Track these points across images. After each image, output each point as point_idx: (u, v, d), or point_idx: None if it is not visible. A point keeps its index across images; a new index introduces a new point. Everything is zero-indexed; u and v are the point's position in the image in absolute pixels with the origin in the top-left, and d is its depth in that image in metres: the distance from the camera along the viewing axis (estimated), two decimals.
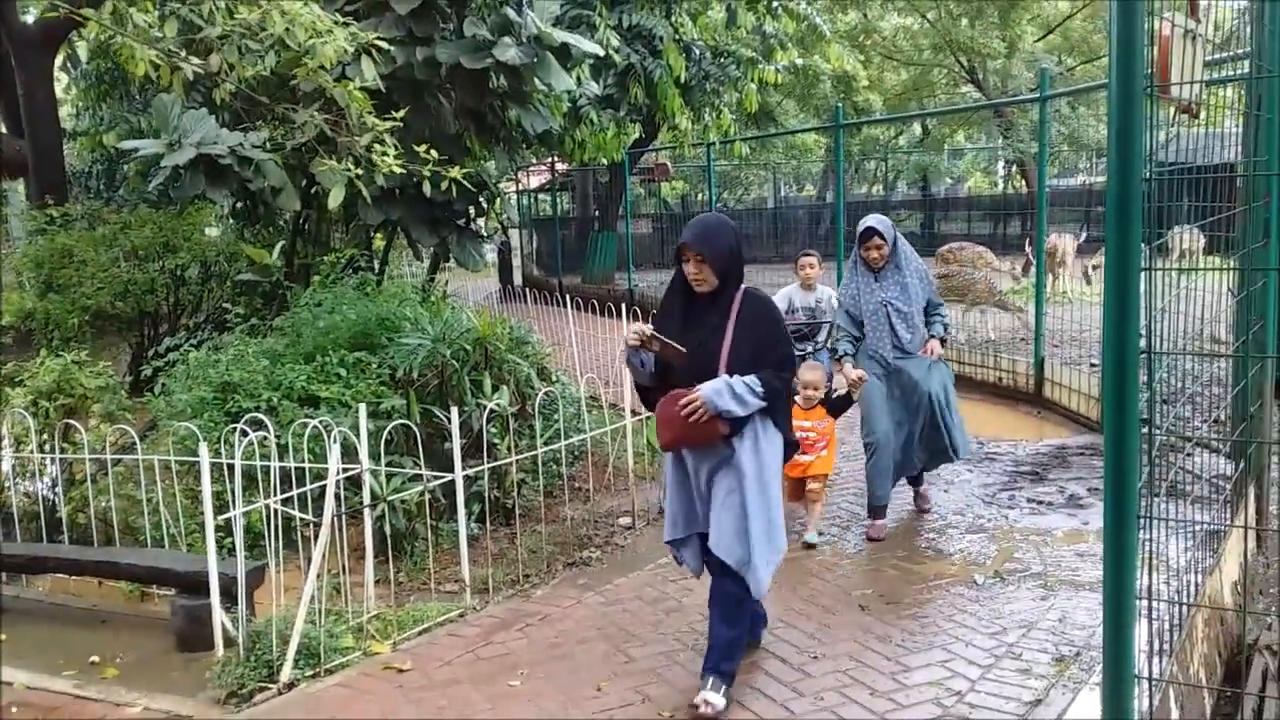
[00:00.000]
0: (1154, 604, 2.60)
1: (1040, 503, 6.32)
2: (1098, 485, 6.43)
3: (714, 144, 15.15)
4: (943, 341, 5.98)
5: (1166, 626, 3.00)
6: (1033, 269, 10.27)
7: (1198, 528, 4.11)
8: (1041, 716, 3.76)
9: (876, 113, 25.38)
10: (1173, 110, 2.96)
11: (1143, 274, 2.30)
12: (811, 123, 25.45)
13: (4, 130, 15.92)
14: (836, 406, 5.95)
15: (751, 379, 3.80)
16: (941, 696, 3.95)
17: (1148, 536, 2.58)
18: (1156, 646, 2.72)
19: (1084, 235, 15.85)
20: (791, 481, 5.82)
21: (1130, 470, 2.28)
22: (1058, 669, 4.11)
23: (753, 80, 14.41)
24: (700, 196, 30.84)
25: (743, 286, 3.96)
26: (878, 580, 5.19)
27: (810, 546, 5.70)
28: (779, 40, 14.79)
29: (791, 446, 4.19)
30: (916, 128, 34.11)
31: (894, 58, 26.62)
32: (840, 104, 12.88)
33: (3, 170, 15.35)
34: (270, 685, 4.35)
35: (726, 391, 3.77)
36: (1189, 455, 6.08)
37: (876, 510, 5.93)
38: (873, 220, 5.87)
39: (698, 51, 13.96)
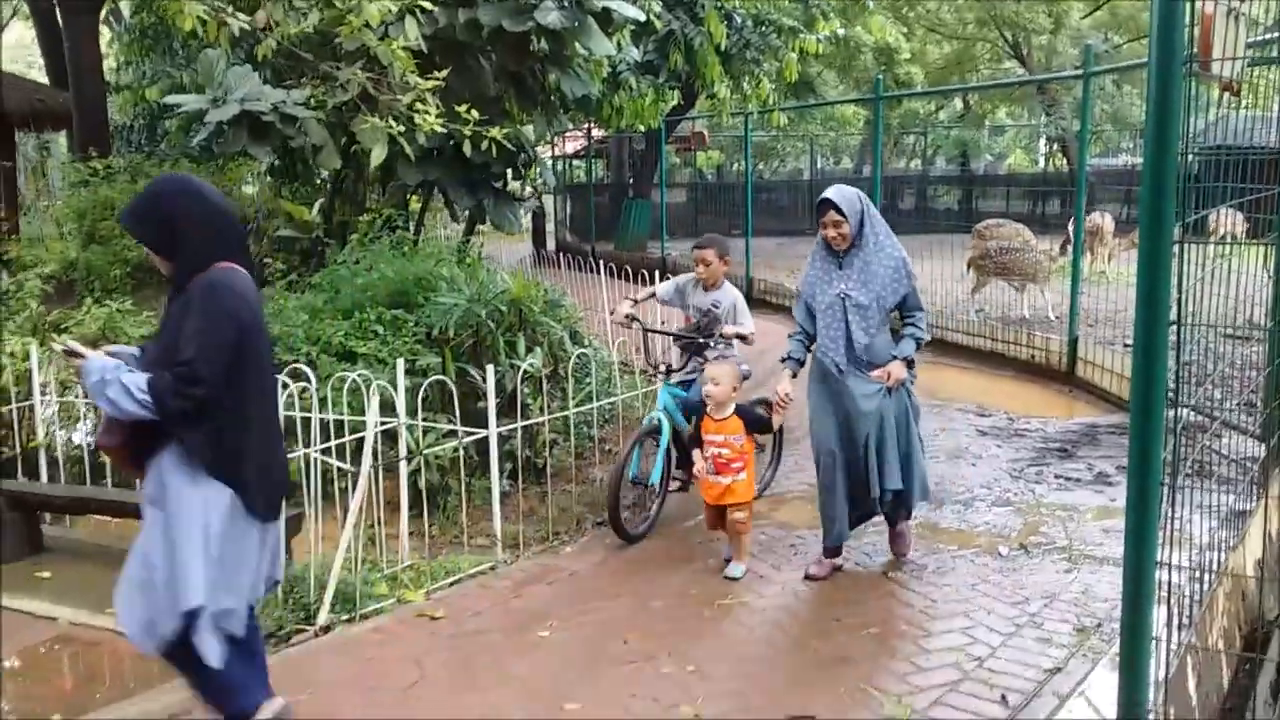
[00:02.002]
0: (1173, 572, 2.65)
1: (1068, 479, 6.35)
2: (1126, 464, 6.45)
3: (752, 113, 15.10)
4: (909, 364, 4.81)
5: (1186, 596, 3.05)
6: (1070, 248, 10.23)
7: (1223, 505, 4.14)
8: (1061, 684, 3.83)
9: (918, 86, 25.13)
10: (1217, 90, 2.97)
11: (1175, 249, 2.34)
12: (851, 94, 25.27)
13: (48, 82, 16.17)
14: (752, 421, 5.07)
15: (142, 378, 3.00)
16: (962, 661, 4.03)
17: (1171, 509, 2.63)
18: (1175, 615, 2.77)
19: (1125, 215, 15.71)
20: (708, 509, 5.11)
21: (1155, 439, 2.33)
22: (1078, 639, 4.17)
23: (793, 50, 14.33)
24: (736, 166, 30.70)
25: (214, 269, 3.13)
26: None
27: (732, 579, 4.89)
28: (821, 10, 14.70)
29: None
30: (958, 102, 33.76)
31: (937, 30, 26.33)
32: (881, 76, 12.79)
33: (46, 122, 15.59)
34: (307, 627, 4.49)
35: (117, 384, 2.98)
36: (1218, 436, 6.10)
37: (827, 547, 4.94)
38: (830, 192, 4.71)
39: (739, 19, 13.90)
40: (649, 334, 6.06)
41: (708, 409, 4.97)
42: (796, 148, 34.84)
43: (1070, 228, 11.47)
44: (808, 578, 4.85)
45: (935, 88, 25.92)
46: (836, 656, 4.11)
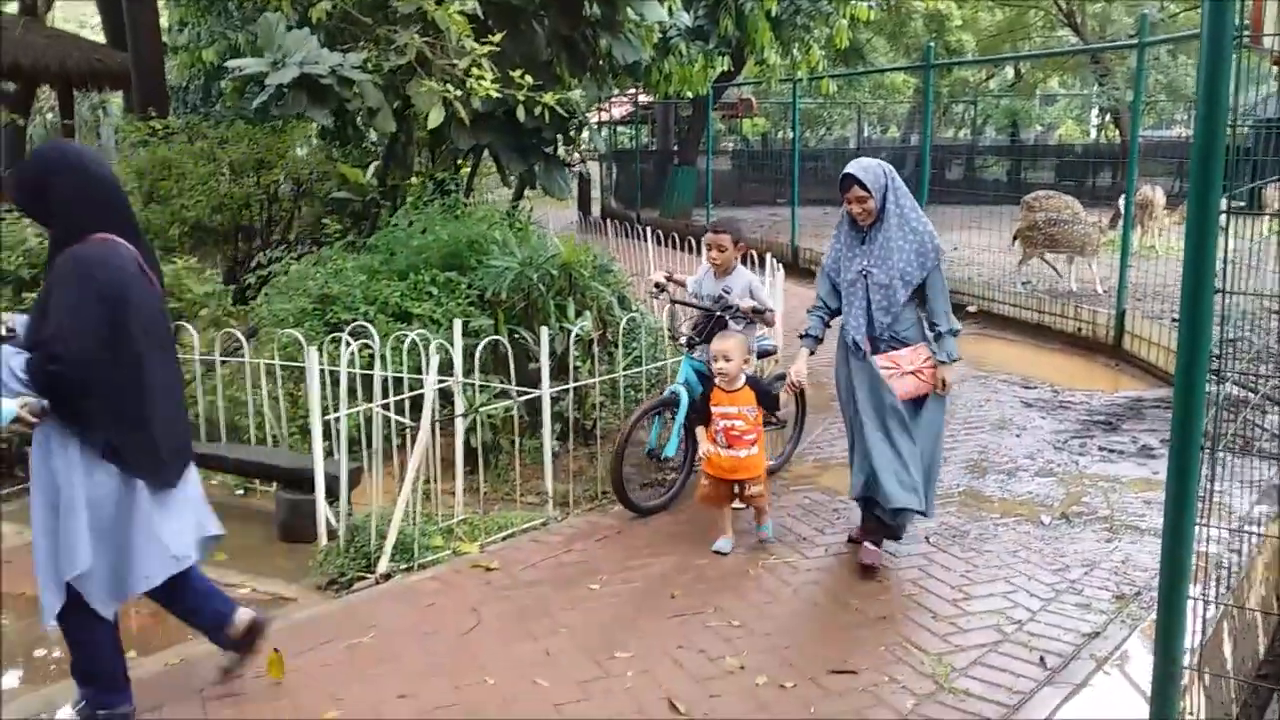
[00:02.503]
0: (1211, 538, 2.74)
1: (1111, 451, 6.39)
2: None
3: (801, 80, 15.04)
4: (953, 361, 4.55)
5: (1225, 563, 3.13)
6: (1120, 220, 10.16)
7: (1265, 477, 4.20)
8: (1099, 647, 3.92)
9: (968, 53, 24.82)
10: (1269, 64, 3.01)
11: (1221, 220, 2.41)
12: (901, 61, 25.00)
13: (106, 42, 16.42)
14: (765, 395, 5.03)
15: (21, 359, 3.01)
16: (1001, 624, 4.13)
17: (1211, 477, 2.71)
18: (1213, 580, 2.85)
19: (1177, 188, 15.50)
20: (713, 484, 4.92)
21: (1197, 406, 2.41)
22: (1117, 606, 4.26)
23: (845, 16, 14.24)
24: (782, 134, 30.53)
25: (88, 242, 3.11)
26: (943, 518, 5.34)
27: (766, 542, 4.96)
28: None
29: None
30: (1009, 71, 33.27)
31: None
32: (932, 44, 12.70)
33: (104, 81, 15.88)
34: (368, 575, 4.68)
35: (5, 367, 3.00)
36: (1261, 411, 6.11)
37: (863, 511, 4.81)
38: (853, 166, 4.55)
39: None
40: (675, 305, 6.09)
41: (717, 381, 4.89)
42: (844, 115, 34.54)
43: (1120, 200, 11.38)
44: (851, 540, 4.93)
45: (986, 56, 25.58)
46: (877, 616, 4.23)
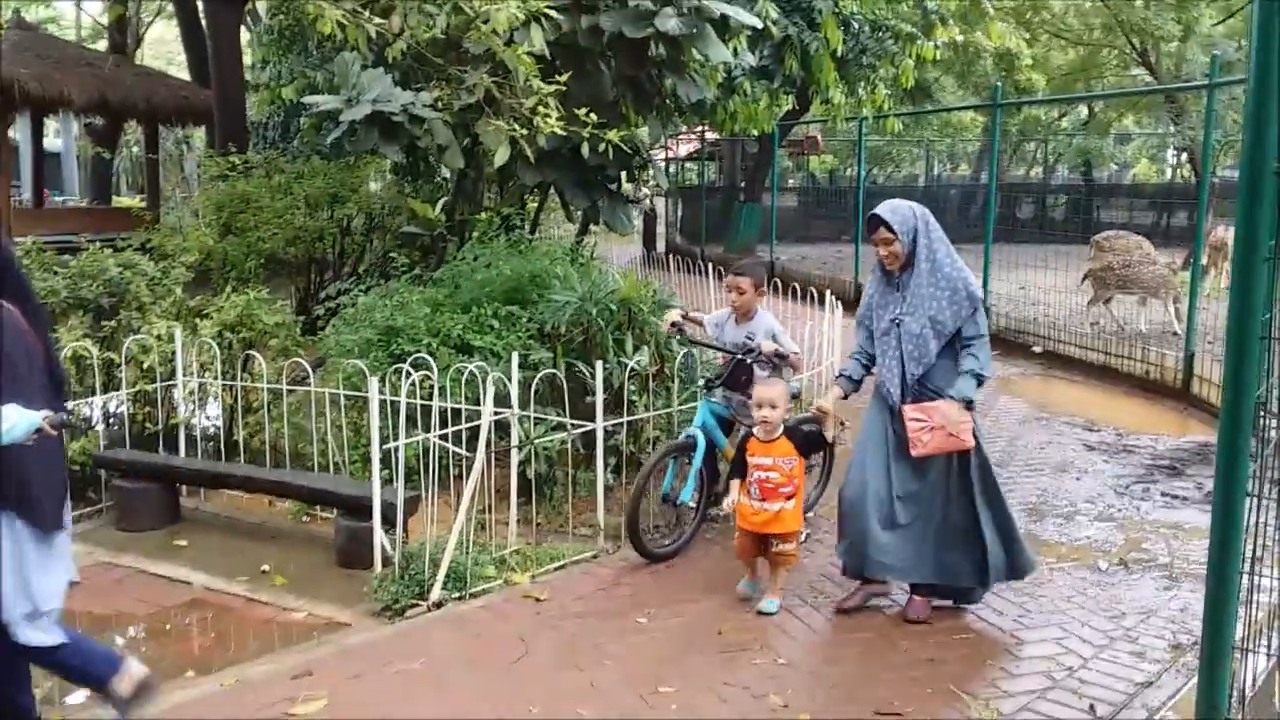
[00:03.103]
0: (1257, 577, 2.70)
1: (1175, 496, 6.27)
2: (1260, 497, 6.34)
3: (866, 119, 15.06)
4: (968, 405, 4.28)
5: (1273, 601, 3.07)
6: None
7: None
8: (1151, 697, 3.85)
9: (1039, 92, 24.60)
10: None
11: (1266, 264, 2.40)
12: (970, 100, 24.87)
13: (190, 79, 17.06)
14: (804, 441, 4.76)
15: None
16: (1052, 670, 4.08)
17: (1259, 520, 2.68)
18: (1259, 620, 2.81)
19: None
20: (745, 537, 4.71)
21: (1242, 449, 2.39)
22: (1173, 655, 4.17)
23: (910, 56, 14.24)
24: (849, 171, 30.48)
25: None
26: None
27: (768, 614, 4.60)
28: (940, 16, 14.57)
29: None
30: (1082, 110, 32.88)
31: (1062, 36, 25.68)
32: (1000, 83, 12.65)
33: (188, 117, 16.48)
34: (421, 603, 4.76)
35: None
36: None
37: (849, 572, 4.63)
38: (881, 207, 4.39)
39: (856, 25, 13.87)
40: (696, 346, 6.01)
41: (756, 431, 4.68)
42: (912, 153, 34.39)
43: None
44: (838, 610, 4.58)
45: (1056, 95, 25.32)
46: (926, 658, 4.20)
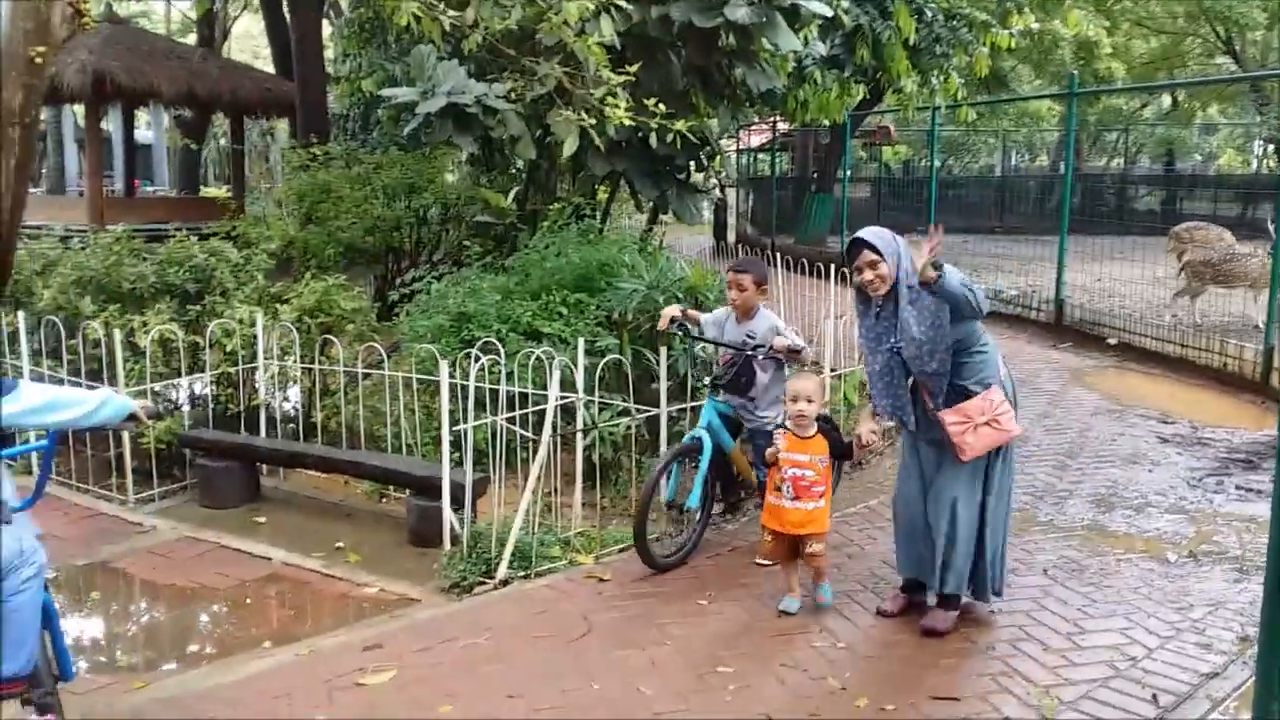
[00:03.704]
0: None
1: (1249, 490, 6.15)
2: None
3: (940, 108, 14.87)
4: (938, 267, 3.93)
5: None
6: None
7: None
8: (1216, 688, 3.82)
9: (1119, 81, 24.02)
10: None
11: None
12: (1047, 89, 24.38)
13: (274, 72, 17.50)
14: (838, 446, 4.62)
15: None
16: (1115, 660, 4.06)
17: None
18: None
19: None
20: (776, 539, 4.50)
21: None
22: (1240, 647, 4.13)
23: (985, 44, 14.01)
24: (923, 162, 30.09)
25: None
26: (1064, 551, 5.24)
27: (786, 614, 4.49)
28: (1016, 3, 14.32)
29: None
30: (1165, 99, 32.02)
31: (1144, 24, 25.05)
32: (1076, 72, 12.41)
33: (272, 109, 16.91)
34: (488, 580, 4.90)
35: None
36: None
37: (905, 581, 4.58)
38: (863, 233, 4.23)
39: (930, 14, 13.69)
40: (699, 344, 5.67)
41: (790, 426, 4.48)
42: (988, 143, 33.81)
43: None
44: (879, 613, 4.50)
45: (1134, 84, 24.72)
46: (987, 645, 4.20)
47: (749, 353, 5.06)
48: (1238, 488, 6.22)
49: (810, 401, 4.42)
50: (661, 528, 5.49)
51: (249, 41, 33.28)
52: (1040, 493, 6.18)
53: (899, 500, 4.51)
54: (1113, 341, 10.40)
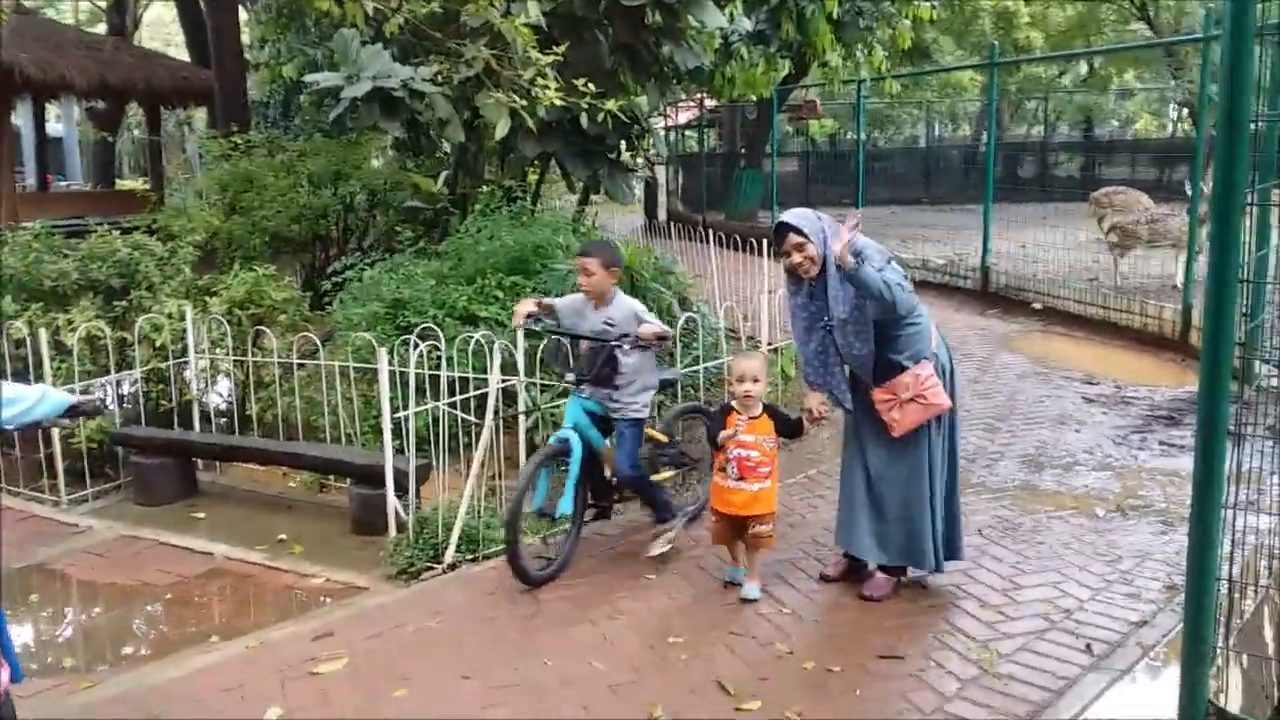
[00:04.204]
0: (1236, 514, 2.82)
1: (1172, 445, 6.37)
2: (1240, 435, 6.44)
3: (865, 81, 15.04)
4: (859, 256, 4.05)
5: (1261, 543, 3.19)
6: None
7: None
8: (1147, 635, 3.98)
9: (1037, 50, 24.49)
10: None
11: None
12: (968, 60, 24.77)
13: (189, 59, 17.08)
14: (785, 426, 4.53)
15: None
16: (1049, 613, 4.20)
17: (1237, 456, 2.79)
18: (1250, 561, 2.92)
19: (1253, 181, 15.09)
20: (722, 522, 4.47)
21: (1223, 389, 2.51)
22: (1168, 595, 4.30)
23: (907, 17, 14.21)
24: (850, 135, 30.41)
25: None
26: (997, 511, 5.39)
27: (751, 601, 4.40)
28: None
29: None
30: (1083, 67, 32.71)
31: None
32: (997, 42, 12.64)
33: (189, 98, 16.51)
34: (435, 565, 4.91)
35: None
36: None
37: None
38: (786, 216, 4.28)
39: None
40: (556, 337, 5.17)
41: (736, 406, 4.43)
42: (913, 115, 34.28)
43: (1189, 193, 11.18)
44: (822, 578, 4.57)
45: (1052, 52, 25.23)
46: (928, 605, 4.32)
47: (613, 343, 4.67)
48: (1161, 443, 6.45)
49: (756, 381, 4.38)
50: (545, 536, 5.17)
51: (161, 29, 32.41)
52: (972, 455, 6.33)
53: (841, 474, 4.57)
54: (1038, 306, 10.66)
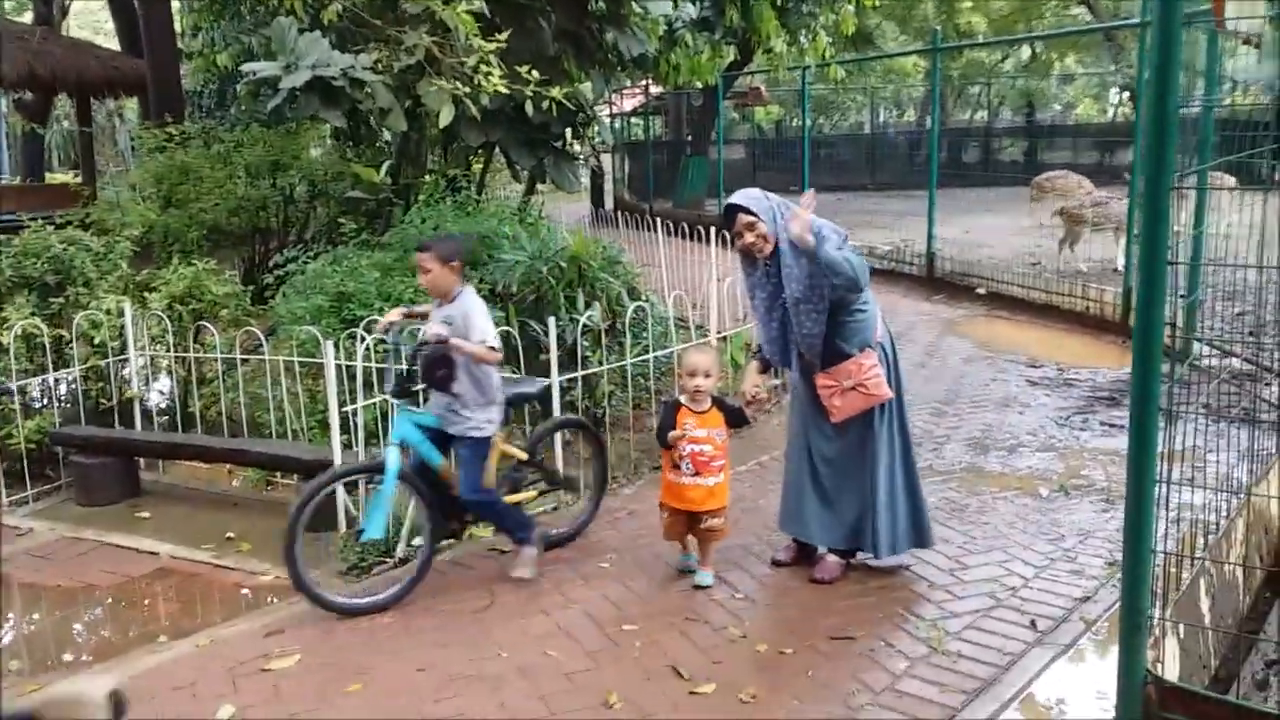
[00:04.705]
0: (1170, 489, 2.89)
1: (1113, 425, 6.51)
2: (1175, 413, 6.58)
3: (809, 68, 15.14)
4: (819, 242, 4.02)
5: (1199, 520, 3.27)
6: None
7: (1248, 441, 4.32)
8: (1089, 610, 4.07)
9: (980, 35, 24.80)
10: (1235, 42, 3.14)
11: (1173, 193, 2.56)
12: (911, 45, 25.01)
13: (120, 49, 16.71)
14: (733, 416, 4.51)
15: None
16: (995, 591, 4.28)
17: (1170, 432, 2.86)
18: (1181, 534, 2.99)
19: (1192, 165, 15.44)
20: (675, 517, 4.45)
21: (1154, 366, 2.58)
22: (1109, 572, 4.39)
23: (851, 2, 14.32)
24: (795, 121, 30.57)
25: None
26: (944, 493, 5.47)
27: (704, 587, 4.41)
28: None
29: None
30: (1025, 51, 33.17)
31: None
32: (939, 27, 12.78)
33: (120, 89, 16.16)
34: (387, 560, 4.87)
35: None
36: (1268, 385, 6.22)
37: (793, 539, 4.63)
38: (735, 197, 4.27)
39: None
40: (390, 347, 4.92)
41: (685, 400, 4.41)
42: (858, 101, 34.54)
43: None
44: (773, 563, 4.59)
45: (995, 37, 25.56)
46: (877, 586, 4.38)
47: (432, 343, 4.30)
48: (1102, 424, 6.58)
49: (708, 376, 4.36)
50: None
51: (89, 17, 31.68)
52: (919, 439, 6.39)
53: (786, 460, 4.60)
54: (982, 291, 10.82)
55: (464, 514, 4.71)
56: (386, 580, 4.61)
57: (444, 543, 4.85)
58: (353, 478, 4.75)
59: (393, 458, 4.36)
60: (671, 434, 4.38)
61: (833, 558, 4.51)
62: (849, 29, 14.70)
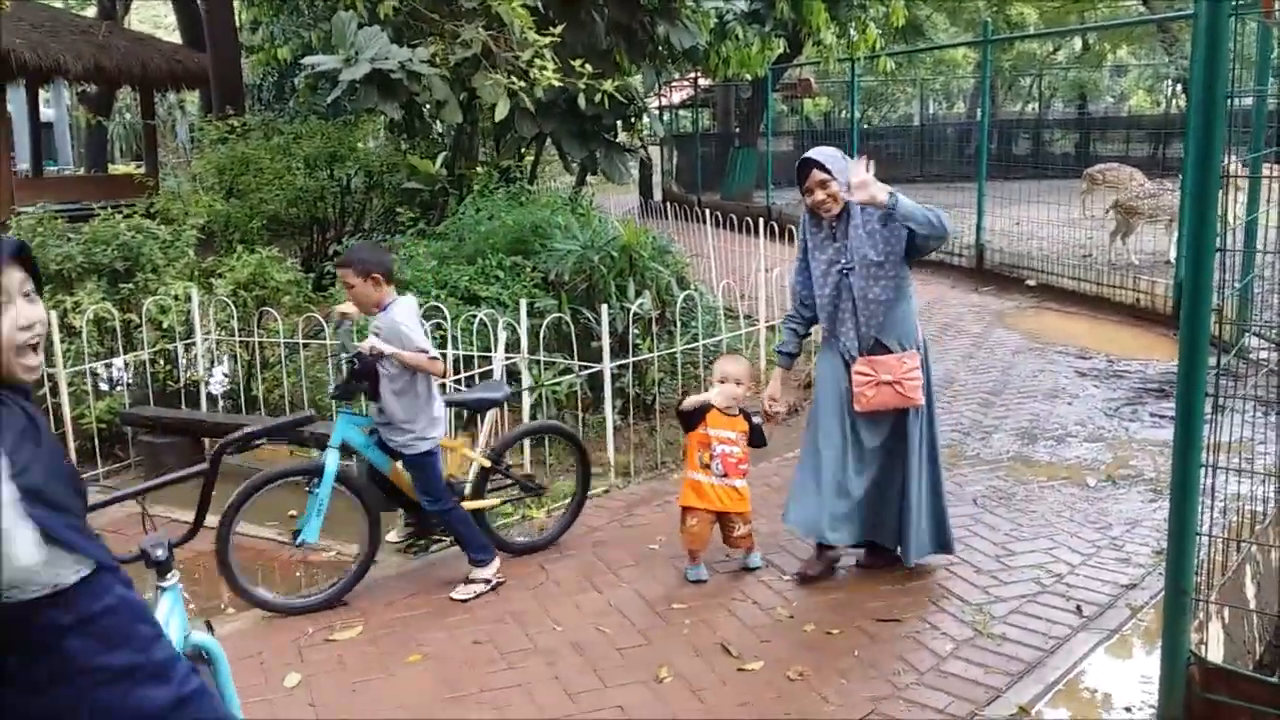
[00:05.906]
0: (1216, 475, 2.95)
1: (1163, 417, 6.50)
2: (1223, 404, 6.54)
3: (859, 59, 15.10)
4: (893, 205, 3.88)
5: (1245, 506, 3.31)
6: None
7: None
8: (1135, 597, 4.12)
9: (1031, 27, 24.54)
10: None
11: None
12: (962, 37, 24.79)
13: (182, 42, 17.07)
14: (755, 434, 4.53)
15: None
16: (1041, 577, 4.34)
17: (1216, 417, 2.92)
18: (1229, 517, 3.04)
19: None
20: (701, 521, 4.42)
21: (1201, 352, 2.63)
22: (1155, 560, 4.43)
23: None
24: (844, 114, 30.44)
25: None
26: (991, 481, 5.52)
27: (752, 569, 4.52)
28: None
29: None
30: (1077, 43, 32.74)
31: None
32: (990, 18, 12.71)
33: (182, 82, 16.52)
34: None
35: None
36: None
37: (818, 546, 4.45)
38: (811, 153, 4.16)
39: None
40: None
41: (717, 403, 4.42)
42: (907, 93, 34.28)
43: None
44: (801, 577, 4.42)
45: (1046, 29, 25.25)
46: (924, 571, 4.45)
47: (355, 355, 4.29)
48: (1151, 415, 6.58)
49: (740, 384, 4.41)
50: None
51: (149, 11, 32.29)
52: (967, 429, 6.46)
53: (818, 437, 4.31)
54: (1032, 283, 10.78)
55: (433, 519, 4.63)
56: (328, 581, 4.61)
57: (411, 543, 4.99)
58: (291, 479, 4.62)
59: (331, 460, 4.35)
60: (689, 399, 4.48)
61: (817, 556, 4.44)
62: (899, 21, 14.62)
